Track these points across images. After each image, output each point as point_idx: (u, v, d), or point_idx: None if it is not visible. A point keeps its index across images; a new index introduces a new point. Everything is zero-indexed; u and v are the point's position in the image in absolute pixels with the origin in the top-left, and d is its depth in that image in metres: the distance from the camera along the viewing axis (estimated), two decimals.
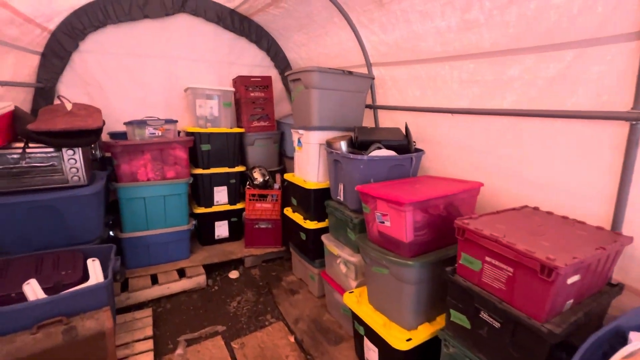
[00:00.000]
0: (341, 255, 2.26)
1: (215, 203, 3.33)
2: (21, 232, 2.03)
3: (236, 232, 3.49)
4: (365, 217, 1.94)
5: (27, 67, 2.65)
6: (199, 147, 3.12)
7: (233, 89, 3.35)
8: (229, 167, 3.31)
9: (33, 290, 1.69)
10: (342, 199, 2.30)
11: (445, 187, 1.86)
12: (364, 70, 2.71)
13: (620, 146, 1.33)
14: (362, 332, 1.97)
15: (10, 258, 1.94)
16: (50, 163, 2.07)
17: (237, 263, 3.28)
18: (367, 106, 2.77)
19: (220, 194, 3.34)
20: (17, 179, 2.00)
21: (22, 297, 1.68)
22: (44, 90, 2.87)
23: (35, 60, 2.74)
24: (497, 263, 1.30)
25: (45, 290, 1.73)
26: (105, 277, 1.90)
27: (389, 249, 1.78)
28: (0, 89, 2.31)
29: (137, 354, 2.01)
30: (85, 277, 1.90)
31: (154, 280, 2.74)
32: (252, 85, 3.43)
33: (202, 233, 3.35)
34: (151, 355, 2.03)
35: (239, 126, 3.54)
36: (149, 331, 2.22)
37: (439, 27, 1.87)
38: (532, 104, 1.58)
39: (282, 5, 2.85)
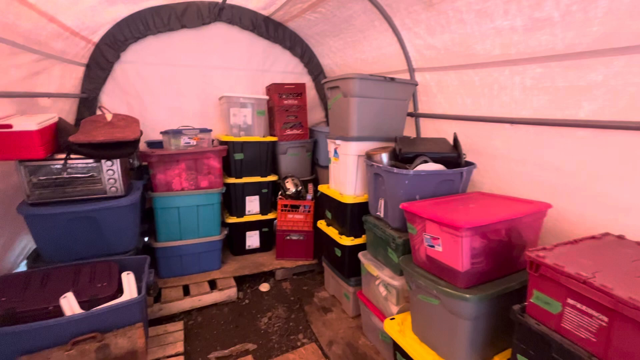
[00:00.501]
0: (381, 277, 2.09)
1: (247, 213, 3.27)
2: (61, 242, 2.05)
3: (267, 242, 3.41)
4: (411, 238, 1.76)
5: (72, 79, 2.74)
6: (232, 156, 3.08)
7: (267, 97, 3.29)
8: (261, 176, 3.24)
9: (69, 304, 1.67)
10: (382, 215, 2.12)
11: (505, 208, 1.64)
12: (405, 76, 2.53)
13: None
14: None
15: (51, 268, 1.96)
16: (90, 174, 2.08)
17: (267, 275, 3.19)
18: (409, 114, 2.58)
19: (252, 204, 3.27)
20: (59, 189, 2.02)
21: (58, 310, 1.67)
22: (88, 100, 2.95)
23: (80, 71, 2.83)
24: (584, 308, 1.08)
25: (81, 304, 1.71)
26: (139, 291, 1.86)
27: (440, 276, 1.59)
28: (47, 100, 2.38)
29: None
30: (120, 289, 1.87)
31: (186, 291, 2.70)
32: (286, 92, 3.36)
33: (233, 243, 3.30)
34: None
35: (271, 134, 3.47)
36: (180, 347, 2.16)
37: (499, 27, 1.66)
38: (620, 115, 1.34)
39: (319, 10, 2.75)
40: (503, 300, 1.49)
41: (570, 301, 1.12)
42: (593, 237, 1.42)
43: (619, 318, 0.99)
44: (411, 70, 2.46)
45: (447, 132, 2.28)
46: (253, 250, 3.37)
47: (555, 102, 1.57)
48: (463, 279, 1.48)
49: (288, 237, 3.23)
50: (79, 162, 2.03)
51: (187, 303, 2.61)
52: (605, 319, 1.02)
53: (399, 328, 1.85)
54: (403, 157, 2.04)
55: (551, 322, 1.19)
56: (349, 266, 2.48)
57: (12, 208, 2.01)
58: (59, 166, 1.99)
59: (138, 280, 1.95)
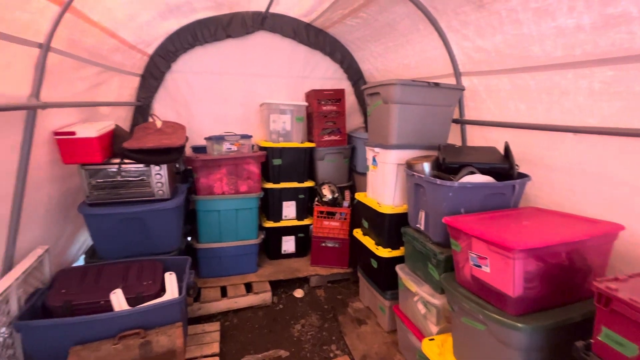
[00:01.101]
0: (419, 293, 1.97)
1: (283, 218, 3.30)
2: (113, 240, 2.21)
3: (302, 248, 3.41)
4: (454, 255, 1.64)
5: (129, 88, 2.96)
6: (270, 162, 3.13)
7: (306, 104, 3.31)
8: (298, 182, 3.26)
9: (118, 300, 1.78)
10: (423, 228, 2.01)
11: (565, 227, 1.46)
12: (451, 81, 2.39)
13: None
14: None
15: (104, 264, 2.11)
16: (141, 177, 2.22)
17: (302, 281, 3.18)
18: (454, 121, 2.43)
19: (289, 209, 3.29)
20: (113, 191, 2.19)
21: (108, 305, 1.78)
22: (142, 107, 3.18)
23: (135, 81, 3.06)
24: None
25: (128, 300, 1.81)
26: (180, 292, 1.93)
27: (488, 300, 1.45)
28: (107, 108, 2.60)
29: None
30: (163, 288, 1.97)
31: (224, 292, 2.78)
32: (325, 98, 3.35)
33: (269, 247, 3.34)
34: None
35: (309, 140, 3.48)
36: (216, 347, 2.22)
37: (562, 26, 1.49)
38: None
39: (361, 15, 2.71)
40: (562, 333, 1.32)
41: None
42: None
43: None
44: (457, 74, 2.31)
45: (496, 141, 2.11)
46: (288, 255, 3.39)
47: (631, 109, 1.37)
48: (514, 305, 1.34)
49: (323, 244, 3.20)
50: (131, 167, 2.18)
51: (224, 304, 2.68)
52: None
53: (438, 350, 1.72)
54: (447, 167, 1.91)
55: None
56: (385, 278, 2.38)
57: (74, 207, 2.21)
58: (114, 170, 2.15)
59: (179, 280, 2.03)
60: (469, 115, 2.39)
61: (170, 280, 1.98)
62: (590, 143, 1.58)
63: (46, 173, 1.94)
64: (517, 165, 1.89)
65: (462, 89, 2.28)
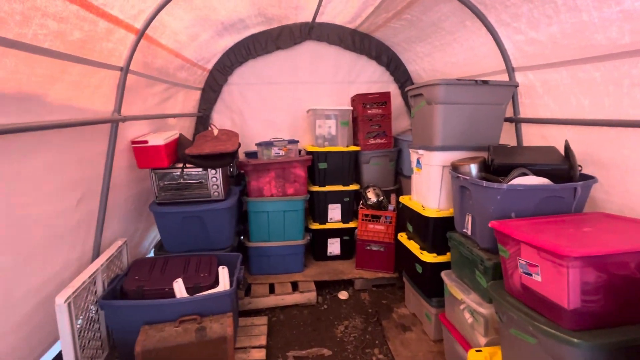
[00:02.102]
0: (466, 302, 1.88)
1: (329, 220, 3.37)
2: (177, 236, 2.49)
3: (347, 251, 3.44)
4: (503, 262, 1.54)
5: (191, 101, 3.32)
6: (316, 165, 3.23)
7: (351, 108, 3.36)
8: (344, 185, 3.31)
9: (180, 288, 2.01)
10: (469, 233, 1.92)
11: (636, 234, 1.29)
12: (503, 77, 2.24)
13: None
14: None
15: (169, 256, 2.39)
16: (199, 180, 2.47)
17: (346, 284, 3.21)
18: (507, 120, 2.28)
19: (334, 212, 3.36)
20: (177, 193, 2.47)
21: (171, 292, 2.02)
22: (202, 117, 3.53)
23: (197, 94, 3.41)
24: None
25: (187, 289, 2.03)
26: (231, 284, 2.11)
27: (539, 311, 1.34)
28: (173, 120, 2.94)
29: None
30: (217, 281, 2.16)
31: (271, 289, 2.93)
32: (370, 102, 3.36)
33: (315, 248, 3.43)
34: None
35: (355, 144, 3.51)
36: (263, 340, 2.35)
37: (629, 10, 1.33)
38: None
39: (405, 17, 2.69)
40: (631, 355, 1.17)
41: None
42: None
43: None
44: (510, 70, 2.17)
45: (556, 140, 1.92)
46: (334, 257, 3.45)
47: None
48: (570, 318, 1.22)
49: (368, 247, 3.19)
50: (192, 170, 2.45)
51: (272, 300, 2.83)
52: None
53: None
54: (496, 168, 1.81)
55: None
56: (430, 285, 2.31)
57: (146, 206, 2.54)
58: (177, 173, 2.43)
59: (231, 274, 2.22)
60: (524, 113, 2.22)
61: (223, 274, 2.17)
62: None
63: (125, 176, 2.28)
64: (579, 166, 1.71)
65: (515, 85, 2.13)
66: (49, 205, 1.59)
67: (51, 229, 1.62)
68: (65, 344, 1.65)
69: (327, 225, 3.35)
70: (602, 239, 1.30)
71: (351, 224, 3.37)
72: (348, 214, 3.38)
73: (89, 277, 1.83)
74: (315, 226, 3.34)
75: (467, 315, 1.91)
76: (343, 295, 3.08)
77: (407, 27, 2.87)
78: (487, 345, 1.77)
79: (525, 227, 1.46)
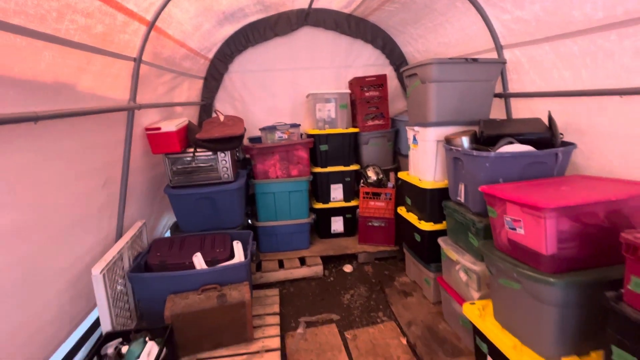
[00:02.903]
0: (461, 262, 2.07)
1: (331, 200, 3.55)
2: (191, 217, 2.66)
3: (351, 228, 3.63)
4: (492, 222, 1.72)
5: (195, 90, 3.44)
6: (317, 148, 3.39)
7: (349, 91, 3.48)
8: (344, 165, 3.47)
9: (199, 261, 2.20)
10: (463, 200, 2.10)
11: (606, 189, 1.47)
12: (493, 55, 2.38)
13: None
14: (485, 350, 1.76)
15: (184, 235, 2.56)
16: (210, 164, 2.63)
17: (351, 258, 3.41)
18: (497, 95, 2.43)
19: (336, 191, 3.53)
20: (189, 176, 2.63)
21: (192, 265, 2.21)
22: (206, 106, 3.66)
23: (199, 83, 3.53)
24: None
25: (206, 262, 2.22)
26: (246, 256, 2.30)
27: (523, 260, 1.53)
28: (180, 108, 3.07)
29: (267, 326, 2.35)
30: (232, 255, 2.35)
31: (281, 264, 3.14)
32: (367, 85, 3.49)
33: (320, 227, 3.62)
34: (277, 328, 2.33)
35: (354, 126, 3.66)
36: (277, 308, 2.56)
37: None
38: None
39: (397, 0, 2.79)
40: (595, 291, 1.35)
41: None
42: None
43: None
44: (499, 47, 2.31)
45: (542, 112, 2.07)
46: (338, 235, 3.64)
47: None
48: (548, 263, 1.41)
49: (370, 223, 3.38)
50: (202, 155, 2.60)
51: (282, 274, 3.03)
52: None
53: (479, 313, 1.82)
54: (485, 139, 1.97)
55: None
56: (428, 251, 2.50)
57: (160, 190, 2.71)
58: (189, 158, 2.59)
59: (245, 248, 2.40)
60: (512, 88, 2.36)
61: (238, 248, 2.36)
62: (636, 105, 1.54)
63: (141, 162, 2.43)
64: (561, 134, 1.88)
65: (503, 62, 2.27)
66: (81, 186, 1.75)
67: (83, 209, 1.79)
68: (102, 309, 1.84)
69: (330, 205, 3.53)
70: (577, 194, 1.48)
71: (353, 203, 3.55)
72: (350, 193, 3.55)
73: (117, 253, 2.01)
74: (319, 206, 3.52)
75: (462, 274, 2.11)
76: (348, 268, 3.28)
77: (401, 9, 2.98)
78: (480, 299, 1.97)
79: (510, 189, 1.63)
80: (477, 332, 1.82)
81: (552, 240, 1.38)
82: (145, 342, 1.78)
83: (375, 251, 3.36)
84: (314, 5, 3.43)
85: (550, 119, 1.88)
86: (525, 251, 1.51)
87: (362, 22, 3.69)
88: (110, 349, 1.77)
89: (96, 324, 2.09)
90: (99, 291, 1.81)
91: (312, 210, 3.51)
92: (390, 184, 3.34)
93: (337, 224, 3.61)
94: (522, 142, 1.87)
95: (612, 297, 1.19)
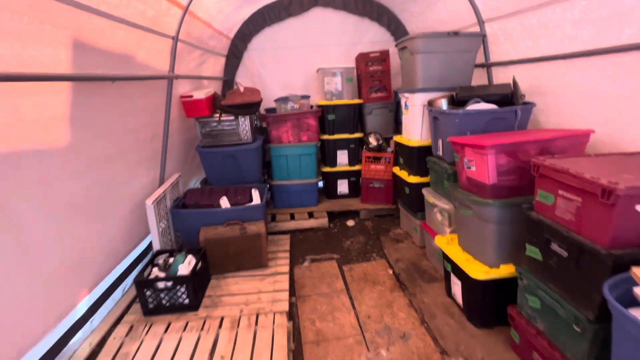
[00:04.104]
0: (438, 205, 2.50)
1: (338, 164, 4.00)
2: (218, 172, 3.20)
3: (355, 190, 4.08)
4: (457, 166, 2.13)
5: (218, 66, 3.93)
6: (325, 117, 3.82)
7: (354, 66, 3.86)
8: (349, 133, 3.89)
9: (225, 203, 2.74)
10: (441, 153, 2.50)
11: (542, 134, 1.85)
12: (477, 29, 2.70)
13: None
14: (449, 268, 2.22)
15: (213, 187, 3.11)
16: (232, 127, 3.14)
17: (353, 214, 3.89)
18: (480, 65, 2.76)
19: (342, 157, 3.98)
20: (216, 138, 3.16)
21: (219, 206, 2.76)
22: (227, 81, 4.15)
23: (222, 61, 4.01)
24: (568, 195, 1.36)
25: (230, 205, 2.76)
26: (262, 200, 2.82)
27: (474, 192, 1.94)
28: (206, 81, 3.58)
29: (279, 259, 2.88)
30: (251, 200, 2.88)
31: (292, 217, 3.66)
32: (371, 60, 3.84)
33: (327, 189, 4.10)
34: (288, 261, 2.85)
35: (359, 97, 4.04)
36: (287, 247, 3.08)
37: None
38: None
39: None
40: (519, 210, 1.75)
41: (560, 192, 1.41)
42: (621, 154, 1.55)
43: (586, 195, 1.26)
44: (480, 22, 2.62)
45: (518, 78, 2.41)
46: (343, 196, 4.11)
47: (601, 31, 1.66)
48: (490, 191, 1.82)
49: (371, 185, 3.83)
50: (226, 119, 3.11)
51: (292, 225, 3.56)
52: (579, 199, 1.30)
53: (447, 242, 2.26)
54: (459, 101, 2.35)
55: (549, 213, 1.48)
56: (415, 201, 2.93)
57: (192, 149, 3.25)
58: (215, 122, 3.10)
59: (261, 195, 2.92)
60: (493, 58, 2.69)
61: (255, 194, 2.89)
62: (577, 67, 1.87)
63: (177, 124, 2.97)
64: (523, 95, 2.23)
65: (481, 35, 2.59)
66: (138, 136, 2.30)
67: (140, 154, 2.35)
68: (153, 232, 2.43)
69: (337, 168, 3.99)
70: (516, 137, 1.86)
71: (357, 167, 3.99)
72: (354, 159, 3.99)
73: (162, 192, 2.58)
74: (327, 169, 3.99)
75: (438, 215, 2.54)
76: (350, 222, 3.77)
77: None
78: (450, 233, 2.40)
79: (470, 138, 2.02)
80: (445, 257, 2.27)
81: (493, 173, 1.79)
82: (186, 256, 2.35)
83: (375, 209, 3.82)
84: None
85: (514, 82, 2.23)
86: (475, 184, 1.92)
87: (368, 1, 4.01)
88: (160, 259, 2.36)
89: (148, 249, 2.70)
90: (151, 218, 2.39)
91: (320, 174, 3.98)
92: (390, 149, 3.74)
93: (342, 186, 4.08)
94: (488, 101, 2.24)
95: (526, 208, 1.61)
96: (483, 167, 1.82)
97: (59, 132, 1.51)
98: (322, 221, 3.62)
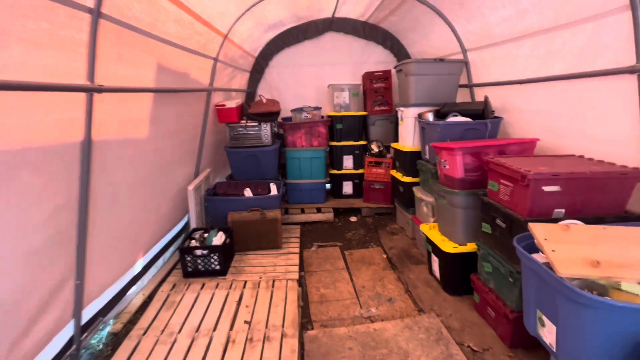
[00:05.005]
0: (424, 199, 3.03)
1: (343, 167, 4.55)
2: (241, 169, 3.80)
3: (358, 191, 4.62)
4: (437, 166, 2.67)
5: (244, 80, 4.58)
6: (334, 126, 4.40)
7: (360, 83, 4.46)
8: (354, 141, 4.46)
9: (248, 193, 3.32)
10: (427, 157, 3.04)
11: (501, 141, 2.37)
12: (460, 57, 3.27)
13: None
14: (430, 249, 2.72)
15: (238, 182, 3.70)
16: (255, 132, 3.75)
17: (356, 212, 4.42)
18: (463, 86, 3.31)
19: (348, 161, 4.53)
20: (242, 140, 3.76)
21: (244, 195, 3.33)
22: (250, 93, 4.79)
23: (246, 76, 4.66)
24: (505, 182, 1.89)
25: (253, 194, 3.34)
26: (278, 192, 3.39)
27: (448, 185, 2.47)
28: (234, 93, 4.23)
29: (291, 243, 3.42)
30: (269, 191, 3.45)
31: (302, 211, 4.21)
32: (375, 78, 4.44)
33: (334, 189, 4.65)
34: (298, 245, 3.38)
35: (364, 110, 4.62)
36: (298, 235, 3.63)
37: (504, 15, 2.36)
38: (574, 69, 1.95)
39: (397, 13, 3.73)
40: (477, 199, 2.26)
41: (502, 180, 1.93)
42: (555, 156, 2.07)
43: (514, 181, 1.79)
44: (464, 51, 3.19)
45: (492, 97, 2.93)
46: (348, 196, 4.65)
47: (543, 64, 2.20)
48: (459, 184, 2.35)
49: (372, 186, 4.36)
50: (250, 125, 3.72)
51: (302, 217, 4.11)
52: (511, 184, 1.83)
53: (429, 228, 2.78)
54: (442, 114, 2.90)
55: (494, 197, 2.01)
56: (408, 199, 3.45)
57: (221, 148, 3.86)
58: (242, 127, 3.71)
59: (278, 188, 3.49)
60: (475, 80, 3.24)
61: (273, 187, 3.46)
62: (529, 90, 2.41)
63: (210, 128, 3.59)
64: (493, 111, 2.77)
65: (463, 61, 3.16)
66: (183, 136, 2.91)
67: (184, 150, 2.96)
68: (191, 212, 3.01)
69: (343, 171, 4.54)
70: (481, 143, 2.39)
71: (360, 171, 4.53)
72: (358, 163, 4.54)
73: (198, 182, 3.17)
74: (334, 172, 4.55)
75: (424, 208, 3.06)
76: (353, 218, 4.30)
77: (401, 20, 3.90)
78: (433, 222, 2.91)
79: (447, 144, 2.56)
80: (427, 240, 2.77)
81: (461, 169, 2.32)
82: (217, 233, 2.92)
83: (376, 207, 4.34)
84: (336, 15, 4.43)
85: (485, 100, 2.77)
86: (449, 179, 2.45)
87: (374, 27, 4.63)
88: (197, 235, 2.93)
89: (181, 231, 3.29)
90: (191, 201, 2.98)
91: (329, 175, 4.54)
92: (389, 155, 4.28)
93: (347, 187, 4.62)
94: (465, 115, 2.78)
95: (481, 194, 2.13)
96: (454, 165, 2.35)
97: (145, 127, 2.12)
98: (328, 215, 4.16)
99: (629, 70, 1.61)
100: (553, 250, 1.29)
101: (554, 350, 1.35)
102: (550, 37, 2.06)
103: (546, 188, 1.67)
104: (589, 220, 1.55)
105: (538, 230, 1.43)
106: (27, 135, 1.27)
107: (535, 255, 1.51)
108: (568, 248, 1.29)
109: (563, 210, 1.71)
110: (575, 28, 1.86)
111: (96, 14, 1.41)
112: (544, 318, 1.39)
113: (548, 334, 1.38)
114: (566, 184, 1.67)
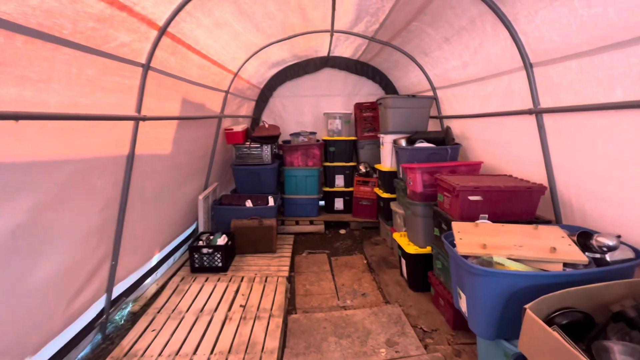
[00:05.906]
0: (398, 212, 3.54)
1: (336, 185, 5.11)
2: (245, 183, 4.38)
3: (348, 207, 5.14)
4: (406, 183, 3.21)
5: (250, 108, 5.27)
6: (328, 149, 5.01)
7: (351, 112, 5.10)
8: (346, 162, 5.04)
9: (249, 203, 3.88)
10: (400, 176, 3.59)
11: (454, 164, 2.93)
12: (430, 93, 3.89)
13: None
14: (400, 253, 3.21)
15: (241, 195, 4.27)
16: (258, 152, 4.36)
17: (345, 225, 4.92)
18: (434, 117, 3.92)
19: (339, 180, 5.09)
20: (246, 159, 4.37)
21: (245, 206, 3.89)
22: (255, 119, 5.47)
23: (252, 104, 5.36)
24: (446, 194, 2.42)
25: (253, 205, 3.89)
26: (275, 203, 3.94)
27: (412, 199, 3.00)
28: (241, 119, 4.89)
29: (284, 249, 3.92)
30: (267, 203, 4.00)
31: (297, 223, 4.73)
32: (364, 108, 5.09)
33: (327, 205, 5.18)
34: (290, 251, 3.88)
35: (355, 136, 5.23)
36: (291, 243, 4.13)
37: (454, 65, 2.99)
38: (501, 108, 2.53)
39: (381, 55, 4.42)
40: (432, 209, 2.79)
41: (445, 193, 2.46)
42: (490, 175, 2.61)
43: (450, 192, 2.32)
44: (433, 89, 3.83)
45: (458, 128, 3.51)
46: (339, 211, 5.17)
47: (483, 103, 2.79)
48: (419, 197, 2.88)
49: (360, 202, 4.88)
50: (254, 146, 4.33)
51: (297, 228, 4.62)
52: (450, 195, 2.36)
53: (400, 235, 3.28)
54: (412, 140, 3.48)
55: (441, 206, 2.53)
56: (387, 212, 3.97)
57: (227, 165, 4.47)
58: (246, 148, 4.33)
59: (275, 200, 4.04)
60: (443, 113, 3.85)
61: (271, 199, 4.02)
62: (482, 123, 2.99)
63: (219, 148, 4.22)
64: (453, 138, 3.34)
65: (431, 98, 3.78)
66: (196, 155, 3.52)
67: (194, 167, 3.55)
68: (200, 218, 3.56)
69: (335, 189, 5.09)
70: (437, 164, 2.93)
71: (350, 189, 5.07)
72: (348, 182, 5.09)
73: (207, 193, 3.75)
74: (327, 189, 5.10)
75: (398, 219, 3.57)
76: (342, 231, 4.79)
77: (385, 61, 4.60)
78: (404, 231, 3.41)
79: (412, 165, 3.12)
80: (398, 246, 3.27)
81: (420, 185, 2.86)
82: (221, 235, 3.45)
83: (363, 221, 4.84)
84: (332, 54, 5.15)
85: (446, 130, 3.35)
86: (413, 193, 2.99)
87: (365, 65, 5.34)
88: (204, 237, 3.47)
89: (190, 236, 3.83)
90: (200, 208, 3.54)
91: (322, 192, 5.09)
92: (375, 175, 4.84)
93: (339, 203, 5.15)
94: (430, 142, 3.36)
95: (433, 205, 2.66)
96: (415, 181, 2.90)
97: (169, 146, 2.73)
98: (319, 227, 4.67)
99: (528, 112, 2.19)
100: (460, 239, 1.80)
101: (467, 315, 1.83)
102: (485, 83, 2.66)
103: (471, 197, 2.20)
104: (506, 223, 2.06)
105: (456, 226, 1.94)
106: (97, 149, 1.87)
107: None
108: (471, 237, 1.81)
109: (487, 216, 2.22)
110: (499, 78, 2.46)
111: (146, 68, 2.05)
112: (460, 291, 1.88)
113: (463, 303, 1.87)
114: (486, 194, 2.19)
